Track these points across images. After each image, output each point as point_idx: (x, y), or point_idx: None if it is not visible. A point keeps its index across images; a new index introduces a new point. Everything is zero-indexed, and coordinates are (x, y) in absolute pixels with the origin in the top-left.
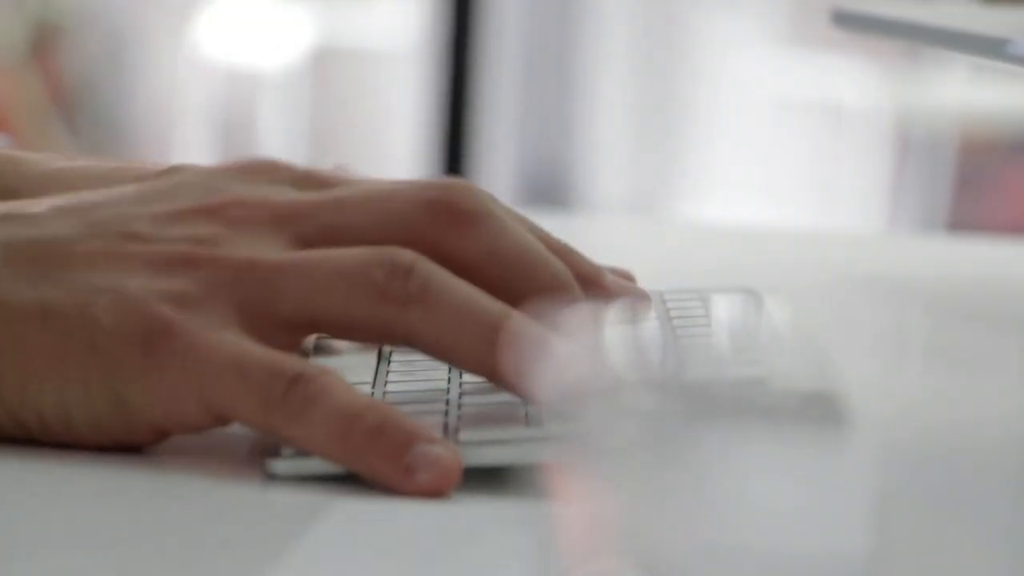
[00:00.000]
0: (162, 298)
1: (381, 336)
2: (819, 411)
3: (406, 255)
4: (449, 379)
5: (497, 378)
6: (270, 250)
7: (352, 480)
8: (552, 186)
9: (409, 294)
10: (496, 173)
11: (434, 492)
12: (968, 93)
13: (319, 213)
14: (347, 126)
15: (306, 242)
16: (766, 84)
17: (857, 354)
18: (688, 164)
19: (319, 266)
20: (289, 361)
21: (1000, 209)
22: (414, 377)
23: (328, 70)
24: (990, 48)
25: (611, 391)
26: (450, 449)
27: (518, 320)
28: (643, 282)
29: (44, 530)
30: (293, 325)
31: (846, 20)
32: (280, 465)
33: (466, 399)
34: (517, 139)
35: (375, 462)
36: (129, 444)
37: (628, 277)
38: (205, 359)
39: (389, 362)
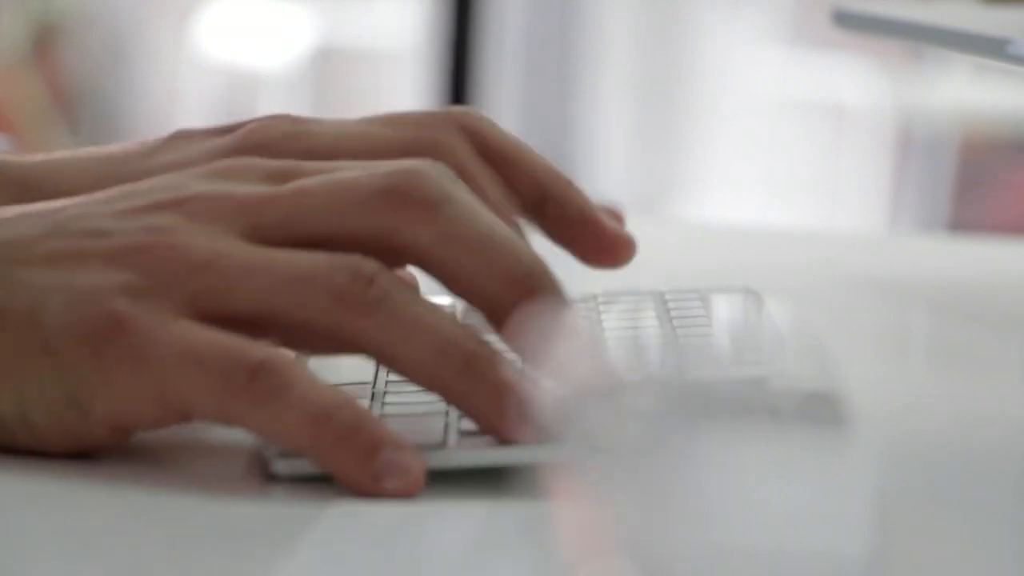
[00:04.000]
0: (113, 291)
1: (336, 343)
2: (820, 411)
3: (370, 264)
4: None
5: (452, 398)
6: (230, 243)
7: None
8: None
9: (369, 301)
10: None
11: (399, 497)
12: (969, 93)
13: (280, 204)
14: None
15: (266, 233)
16: (767, 84)
17: (857, 354)
18: (689, 163)
19: (280, 266)
20: (252, 346)
21: (1001, 209)
22: None
23: (329, 70)
24: (991, 48)
25: (612, 392)
26: (417, 455)
27: (486, 348)
28: (643, 282)
29: (43, 532)
30: (247, 323)
31: (847, 20)
32: (280, 465)
33: None
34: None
35: (343, 464)
36: (91, 445)
37: (618, 218)
38: (159, 354)
39: None
